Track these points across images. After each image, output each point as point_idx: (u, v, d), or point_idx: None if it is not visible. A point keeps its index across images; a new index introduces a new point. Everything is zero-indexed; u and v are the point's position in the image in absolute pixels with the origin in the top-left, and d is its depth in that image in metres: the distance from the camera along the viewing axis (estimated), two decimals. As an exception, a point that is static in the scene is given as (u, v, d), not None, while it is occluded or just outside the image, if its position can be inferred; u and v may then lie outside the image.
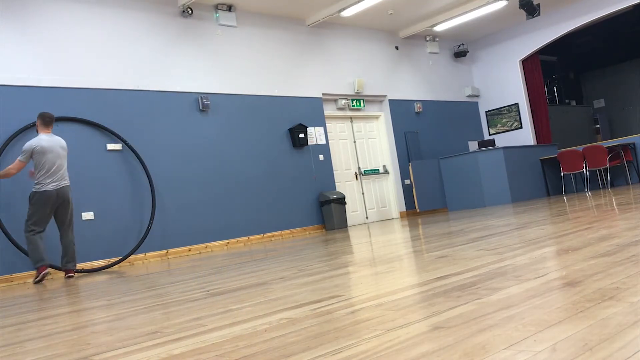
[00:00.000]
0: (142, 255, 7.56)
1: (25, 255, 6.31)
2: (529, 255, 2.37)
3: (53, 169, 5.95)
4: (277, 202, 9.11)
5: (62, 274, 6.63)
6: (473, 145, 11.25)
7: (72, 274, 6.10)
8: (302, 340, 1.39)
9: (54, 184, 5.96)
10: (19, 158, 5.94)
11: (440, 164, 11.06)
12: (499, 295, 1.59)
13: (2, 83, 6.79)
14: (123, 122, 7.68)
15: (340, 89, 10.54)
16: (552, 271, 1.89)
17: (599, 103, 16.13)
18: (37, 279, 5.86)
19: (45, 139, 5.98)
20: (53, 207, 6.05)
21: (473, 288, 1.77)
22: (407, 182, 11.20)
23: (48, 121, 6.11)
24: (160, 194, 7.87)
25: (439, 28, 11.60)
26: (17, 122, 6.83)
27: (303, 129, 9.57)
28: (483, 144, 11.04)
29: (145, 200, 7.72)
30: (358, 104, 10.90)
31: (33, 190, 5.98)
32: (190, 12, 8.57)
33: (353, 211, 10.44)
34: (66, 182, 6.12)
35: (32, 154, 5.90)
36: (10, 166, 5.96)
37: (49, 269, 6.04)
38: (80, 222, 7.11)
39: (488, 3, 10.52)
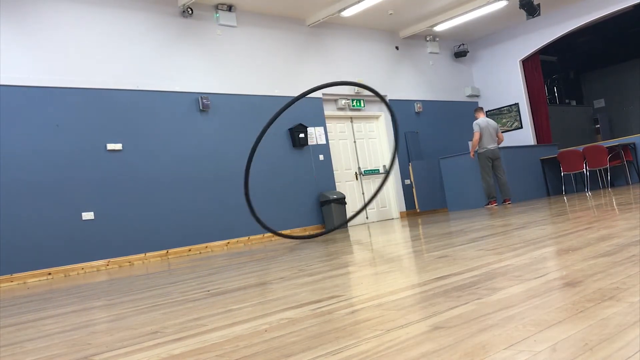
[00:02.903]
0: (142, 255, 7.57)
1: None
2: (529, 255, 2.37)
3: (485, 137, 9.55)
4: (277, 202, 9.11)
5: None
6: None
7: (509, 202, 9.50)
8: (302, 340, 1.39)
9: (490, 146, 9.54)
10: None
11: (440, 164, 11.05)
12: (499, 295, 1.59)
13: (2, 83, 6.80)
14: (123, 122, 7.68)
15: (340, 89, 10.53)
16: (552, 271, 1.89)
17: (599, 103, 16.13)
18: (486, 205, 9.62)
19: (483, 120, 9.64)
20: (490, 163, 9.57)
21: (473, 288, 1.77)
22: (407, 182, 11.21)
23: (479, 110, 9.98)
24: (160, 194, 7.87)
25: (439, 28, 11.60)
26: (18, 122, 6.83)
27: (303, 129, 9.57)
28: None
29: (145, 199, 7.71)
30: (358, 104, 10.90)
31: (477, 152, 9.63)
32: (190, 12, 8.57)
33: (353, 211, 10.43)
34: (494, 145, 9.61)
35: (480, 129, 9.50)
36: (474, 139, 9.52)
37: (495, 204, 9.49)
38: (80, 222, 7.11)
39: (488, 3, 10.52)
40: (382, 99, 6.11)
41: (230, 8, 9.05)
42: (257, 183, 8.93)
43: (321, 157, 9.91)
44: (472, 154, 9.74)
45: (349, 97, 10.74)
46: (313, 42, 10.26)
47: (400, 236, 5.09)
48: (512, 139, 12.40)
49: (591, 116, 15.73)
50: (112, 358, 1.52)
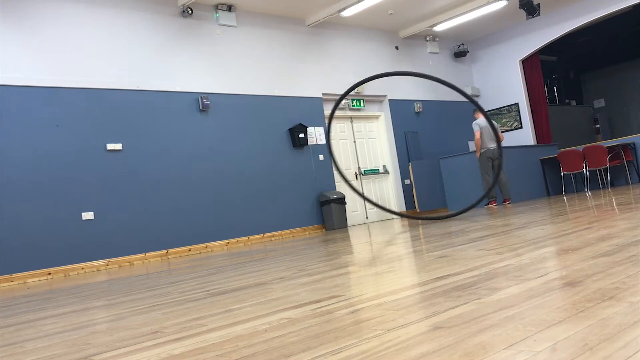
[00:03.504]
0: (142, 255, 7.57)
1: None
2: (529, 255, 2.37)
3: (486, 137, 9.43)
4: (277, 202, 9.11)
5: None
6: (473, 145, 11.24)
7: (509, 202, 9.42)
8: (302, 340, 1.39)
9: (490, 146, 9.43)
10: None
11: (440, 164, 11.05)
12: (499, 295, 1.59)
13: (2, 83, 6.80)
14: (123, 122, 7.68)
15: (340, 89, 10.53)
16: (552, 271, 1.89)
17: (599, 103, 16.13)
18: (486, 205, 9.51)
19: (482, 120, 9.42)
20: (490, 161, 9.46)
21: (473, 288, 1.77)
22: (407, 182, 11.20)
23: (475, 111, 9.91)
24: (160, 194, 7.87)
25: (439, 28, 11.60)
26: (18, 122, 6.83)
27: (303, 129, 9.57)
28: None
29: (145, 199, 7.71)
30: (358, 104, 10.90)
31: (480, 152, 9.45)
32: (190, 12, 8.57)
33: (353, 211, 10.44)
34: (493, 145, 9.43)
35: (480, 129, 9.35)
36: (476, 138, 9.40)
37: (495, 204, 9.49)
38: (80, 222, 7.11)
39: (488, 3, 10.52)
40: (464, 94, 5.85)
41: (230, 8, 9.05)
42: (257, 183, 8.93)
43: (321, 157, 9.91)
44: (477, 154, 9.63)
45: (348, 97, 10.73)
46: (313, 42, 10.26)
47: (400, 236, 5.09)
48: (512, 139, 12.41)
49: (591, 116, 15.73)
50: (112, 358, 1.52)
